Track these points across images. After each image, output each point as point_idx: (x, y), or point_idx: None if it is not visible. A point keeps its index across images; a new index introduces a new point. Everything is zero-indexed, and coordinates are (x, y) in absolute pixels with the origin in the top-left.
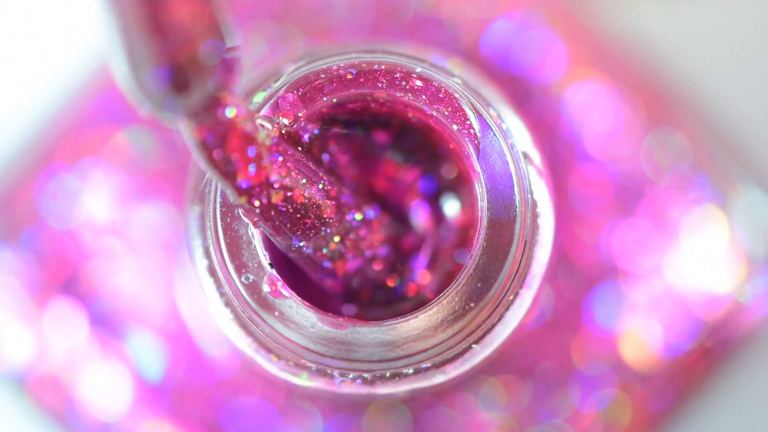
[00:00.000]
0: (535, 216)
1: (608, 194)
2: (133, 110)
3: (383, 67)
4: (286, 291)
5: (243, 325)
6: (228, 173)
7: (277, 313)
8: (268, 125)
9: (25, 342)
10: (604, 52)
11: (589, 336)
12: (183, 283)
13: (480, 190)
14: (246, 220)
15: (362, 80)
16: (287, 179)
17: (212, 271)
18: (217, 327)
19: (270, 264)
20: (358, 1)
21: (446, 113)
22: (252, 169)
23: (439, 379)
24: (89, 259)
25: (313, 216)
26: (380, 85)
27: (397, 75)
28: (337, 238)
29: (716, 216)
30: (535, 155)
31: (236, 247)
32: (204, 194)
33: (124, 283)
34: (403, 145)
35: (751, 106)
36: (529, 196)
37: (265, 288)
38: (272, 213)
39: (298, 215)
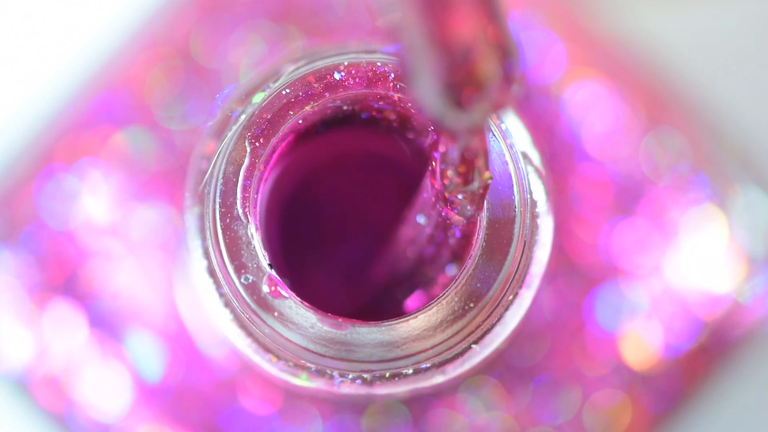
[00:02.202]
0: (534, 216)
1: (607, 194)
2: (132, 110)
3: (382, 66)
4: (285, 291)
5: (242, 326)
6: (441, 191)
7: (276, 314)
8: None
9: (24, 343)
10: (603, 52)
11: (589, 336)
12: (182, 284)
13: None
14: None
15: (360, 81)
16: (470, 214)
17: (211, 272)
18: (217, 328)
19: (269, 264)
20: (357, 1)
21: None
22: (459, 193)
23: (438, 379)
24: (88, 259)
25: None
26: (379, 85)
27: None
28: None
29: (716, 215)
30: (534, 155)
31: (235, 247)
32: (203, 195)
33: (123, 284)
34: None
35: (750, 106)
36: (528, 196)
37: (265, 288)
38: (438, 224)
39: (448, 232)
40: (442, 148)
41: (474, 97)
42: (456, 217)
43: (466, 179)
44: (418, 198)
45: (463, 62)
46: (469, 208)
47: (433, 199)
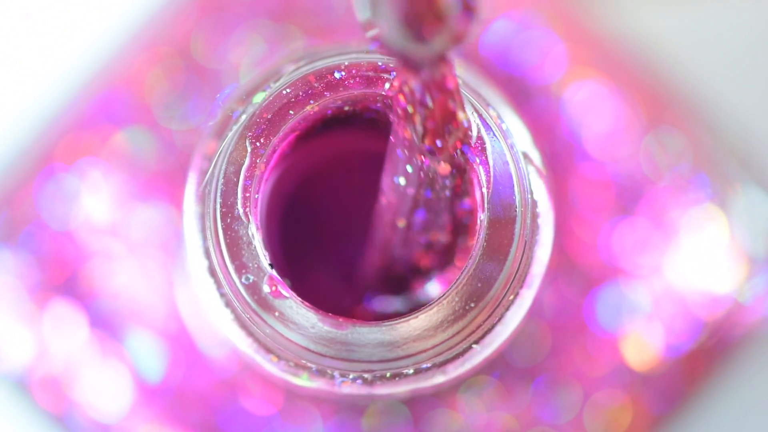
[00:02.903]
0: (535, 216)
1: (608, 194)
2: (133, 110)
3: (383, 66)
4: (286, 291)
5: (243, 326)
6: (418, 132)
7: (277, 314)
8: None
9: (24, 343)
10: (604, 52)
11: (590, 336)
12: (182, 284)
13: (480, 190)
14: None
15: (360, 81)
16: (458, 162)
17: (212, 272)
18: (217, 328)
19: (270, 264)
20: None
21: None
22: (440, 136)
23: (439, 379)
24: (88, 259)
25: (446, 200)
26: (378, 85)
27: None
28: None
29: (716, 215)
30: (535, 155)
31: (236, 247)
32: (204, 195)
33: (123, 284)
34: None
35: (751, 105)
36: (528, 196)
37: (265, 288)
38: (424, 182)
39: (441, 195)
40: (407, 89)
41: (434, 28)
42: (441, 165)
43: (438, 120)
44: (390, 159)
45: None
46: (451, 149)
47: (407, 152)
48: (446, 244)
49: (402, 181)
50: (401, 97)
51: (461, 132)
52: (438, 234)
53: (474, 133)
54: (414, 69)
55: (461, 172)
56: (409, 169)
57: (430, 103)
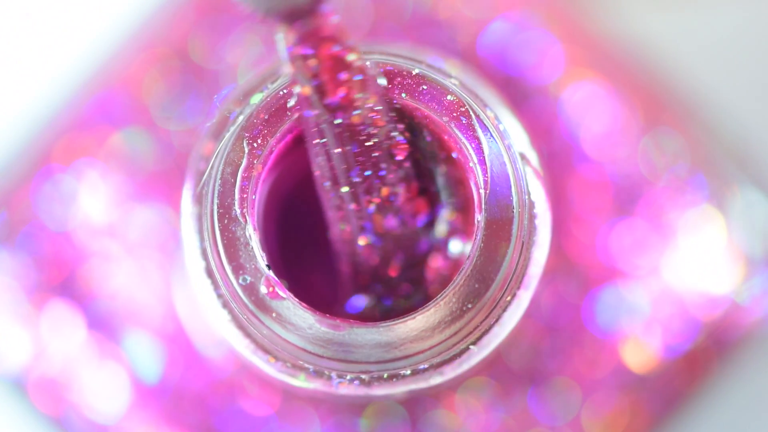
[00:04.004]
0: (532, 217)
1: (606, 195)
2: (130, 111)
3: (380, 67)
4: (283, 292)
5: (240, 327)
6: (317, 86)
7: (274, 315)
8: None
9: (21, 344)
10: (602, 53)
11: (588, 337)
12: (180, 285)
13: (477, 190)
14: (320, 138)
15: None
16: (370, 104)
17: (209, 273)
18: (215, 328)
19: (267, 265)
20: (355, 2)
21: (443, 114)
22: (339, 83)
23: (436, 380)
24: (86, 260)
25: (380, 153)
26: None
27: (394, 76)
28: (387, 191)
29: (714, 216)
30: (533, 156)
31: (233, 248)
32: (201, 195)
33: (121, 285)
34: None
35: (748, 106)
36: (526, 196)
37: (263, 289)
38: (345, 136)
39: (368, 146)
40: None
41: None
42: (353, 115)
43: (329, 69)
44: (306, 129)
45: None
46: (353, 95)
47: (316, 112)
48: (408, 196)
49: (324, 143)
50: (294, 63)
51: (358, 72)
52: (390, 189)
53: (375, 73)
54: (290, 24)
55: (379, 116)
56: (324, 129)
57: (313, 55)
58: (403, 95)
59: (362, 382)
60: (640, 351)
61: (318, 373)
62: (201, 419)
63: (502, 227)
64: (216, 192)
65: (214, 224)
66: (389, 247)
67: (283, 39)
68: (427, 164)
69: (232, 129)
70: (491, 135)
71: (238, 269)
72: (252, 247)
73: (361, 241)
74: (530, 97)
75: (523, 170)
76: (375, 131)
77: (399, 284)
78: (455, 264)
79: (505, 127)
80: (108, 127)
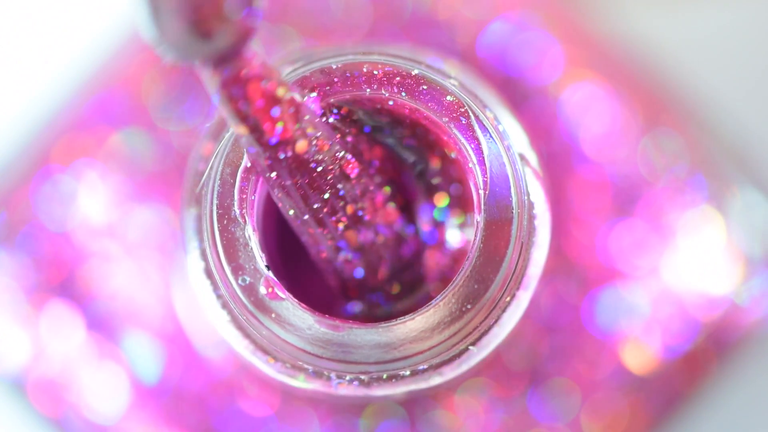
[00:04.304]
0: (531, 217)
1: (605, 195)
2: (129, 111)
3: (379, 68)
4: (282, 293)
5: (240, 328)
6: (251, 125)
7: (273, 315)
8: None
9: (20, 344)
10: (601, 54)
11: (587, 338)
12: (179, 286)
13: (476, 191)
14: (265, 174)
15: (357, 82)
16: (310, 132)
17: (209, 274)
18: (214, 329)
19: (267, 266)
20: (354, 3)
21: (443, 115)
22: (274, 120)
23: (436, 380)
24: (85, 261)
25: (332, 175)
26: (376, 86)
27: (394, 77)
28: (351, 208)
29: (713, 217)
30: (532, 157)
31: (233, 249)
32: (201, 196)
33: (120, 286)
34: (400, 147)
35: (747, 107)
36: (525, 197)
37: (262, 290)
38: (293, 168)
39: (319, 172)
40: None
41: (218, 29)
42: (297, 145)
43: (261, 108)
44: (260, 172)
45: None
46: (290, 127)
47: (262, 153)
48: (375, 207)
49: (276, 176)
50: (225, 106)
51: (289, 105)
52: (354, 205)
53: (304, 99)
54: (214, 69)
55: (322, 140)
56: (272, 164)
57: (242, 96)
58: (403, 95)
59: (361, 382)
60: (640, 352)
61: (317, 374)
62: (200, 420)
63: (501, 228)
64: (215, 192)
65: (213, 225)
66: (372, 258)
67: (209, 84)
68: (415, 161)
69: (231, 129)
70: (491, 136)
71: (237, 270)
72: (251, 248)
73: (340, 259)
74: (530, 98)
75: (522, 171)
76: (321, 156)
77: (392, 289)
78: (450, 261)
79: (505, 127)
80: (107, 127)
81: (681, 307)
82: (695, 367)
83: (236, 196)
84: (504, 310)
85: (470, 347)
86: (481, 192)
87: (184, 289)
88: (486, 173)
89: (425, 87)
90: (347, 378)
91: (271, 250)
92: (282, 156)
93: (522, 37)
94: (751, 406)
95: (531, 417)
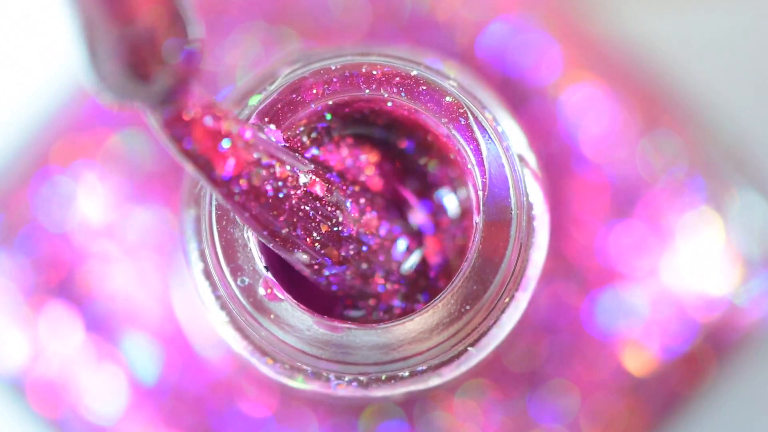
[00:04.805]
0: (530, 218)
1: (604, 197)
2: (128, 113)
3: (378, 69)
4: (281, 294)
5: (238, 328)
6: (200, 164)
7: (272, 316)
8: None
9: (19, 346)
10: (600, 55)
11: (586, 339)
12: (178, 287)
13: (475, 192)
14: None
15: (356, 82)
16: (265, 162)
17: (208, 275)
18: (213, 330)
19: (265, 267)
20: (353, 3)
21: (442, 116)
22: (223, 155)
23: (434, 381)
24: (84, 262)
25: (297, 198)
26: (375, 87)
27: (393, 78)
28: (326, 226)
29: (712, 218)
30: (531, 158)
31: (232, 250)
32: (199, 197)
33: (119, 287)
34: (399, 148)
35: (746, 108)
36: (524, 198)
37: (261, 291)
38: (252, 198)
39: (281, 198)
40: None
41: (156, 70)
42: (255, 176)
43: (210, 145)
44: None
45: (142, 38)
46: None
47: (224, 192)
48: (352, 219)
49: (239, 210)
50: (170, 147)
51: (238, 138)
52: (329, 223)
53: (263, 129)
54: (154, 110)
55: (283, 166)
56: (229, 199)
57: (185, 136)
58: (402, 96)
59: (360, 383)
60: (639, 353)
61: (316, 375)
62: (199, 420)
63: (500, 229)
64: (214, 193)
65: (212, 226)
66: (362, 268)
67: (151, 124)
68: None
69: None
70: (489, 136)
71: (236, 271)
72: (250, 249)
73: (326, 275)
74: (529, 99)
75: (521, 172)
76: (281, 183)
77: (389, 292)
78: (449, 261)
79: (504, 128)
80: (106, 128)
81: (680, 308)
82: (694, 368)
83: None
84: (503, 312)
85: (469, 348)
86: (480, 193)
87: (183, 290)
88: (485, 174)
89: (424, 88)
90: (346, 379)
91: (270, 251)
92: (237, 189)
93: (521, 38)
94: (750, 407)
95: (530, 418)
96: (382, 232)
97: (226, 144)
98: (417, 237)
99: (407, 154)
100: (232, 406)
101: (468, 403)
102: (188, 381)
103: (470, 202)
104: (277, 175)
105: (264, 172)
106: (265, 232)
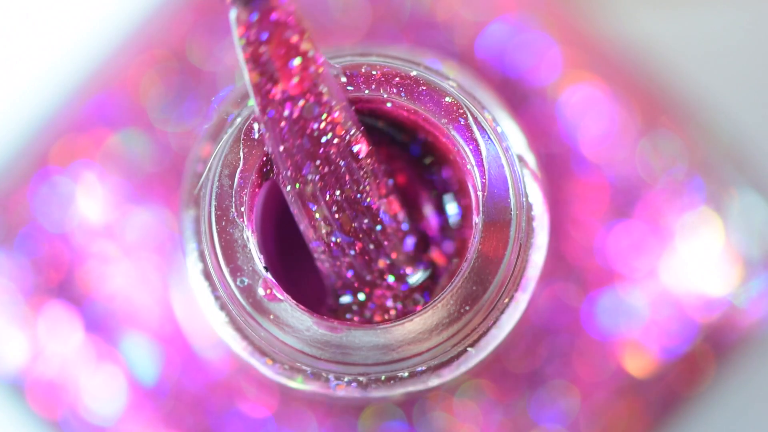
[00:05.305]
0: (530, 219)
1: (604, 197)
2: (128, 113)
3: (378, 69)
4: (281, 294)
5: (238, 329)
6: (265, 72)
7: (272, 317)
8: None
9: (19, 346)
10: (600, 55)
11: (586, 339)
12: (178, 287)
13: (475, 193)
14: (259, 131)
15: (355, 82)
16: (325, 99)
17: (207, 275)
18: (212, 331)
19: (265, 267)
20: (353, 3)
21: (441, 116)
22: (290, 72)
23: (434, 382)
24: (84, 262)
25: (336, 145)
26: (374, 87)
27: (392, 78)
28: (351, 190)
29: (712, 219)
30: (530, 158)
31: (231, 250)
32: (199, 198)
33: (118, 287)
34: (399, 148)
35: (746, 109)
36: (524, 199)
37: (260, 291)
38: (295, 131)
39: (323, 142)
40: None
41: None
42: (305, 108)
43: (281, 55)
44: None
45: None
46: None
47: (268, 108)
48: (378, 193)
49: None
50: (245, 47)
51: (311, 63)
52: (355, 186)
53: (331, 69)
54: (244, 6)
55: (336, 111)
56: (272, 120)
57: (266, 41)
58: (401, 96)
59: (360, 384)
60: (639, 354)
61: (315, 375)
62: (198, 421)
63: (499, 230)
64: (213, 194)
65: (211, 226)
66: (368, 246)
67: (235, 21)
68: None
69: (230, 131)
70: (489, 137)
71: (235, 271)
72: (249, 249)
73: (332, 239)
74: (528, 100)
75: (520, 172)
76: (329, 127)
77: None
78: (449, 261)
79: (503, 129)
80: (105, 128)
81: (679, 308)
82: (694, 369)
83: (234, 198)
84: (502, 312)
85: (469, 349)
86: (480, 193)
87: (183, 290)
88: (484, 175)
89: (424, 88)
90: (345, 379)
91: (270, 251)
92: (287, 114)
93: (520, 39)
94: (749, 408)
95: (530, 419)
96: (400, 217)
97: (296, 61)
98: (423, 238)
99: (407, 154)
100: (231, 406)
101: (467, 403)
102: (188, 381)
103: (469, 203)
104: (330, 118)
105: (318, 109)
106: (289, 172)
